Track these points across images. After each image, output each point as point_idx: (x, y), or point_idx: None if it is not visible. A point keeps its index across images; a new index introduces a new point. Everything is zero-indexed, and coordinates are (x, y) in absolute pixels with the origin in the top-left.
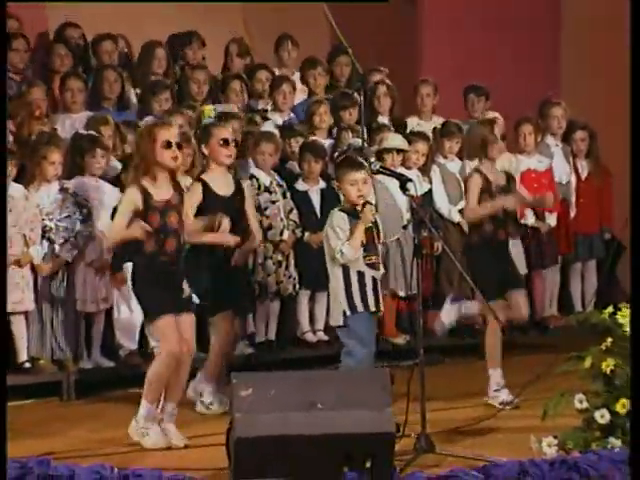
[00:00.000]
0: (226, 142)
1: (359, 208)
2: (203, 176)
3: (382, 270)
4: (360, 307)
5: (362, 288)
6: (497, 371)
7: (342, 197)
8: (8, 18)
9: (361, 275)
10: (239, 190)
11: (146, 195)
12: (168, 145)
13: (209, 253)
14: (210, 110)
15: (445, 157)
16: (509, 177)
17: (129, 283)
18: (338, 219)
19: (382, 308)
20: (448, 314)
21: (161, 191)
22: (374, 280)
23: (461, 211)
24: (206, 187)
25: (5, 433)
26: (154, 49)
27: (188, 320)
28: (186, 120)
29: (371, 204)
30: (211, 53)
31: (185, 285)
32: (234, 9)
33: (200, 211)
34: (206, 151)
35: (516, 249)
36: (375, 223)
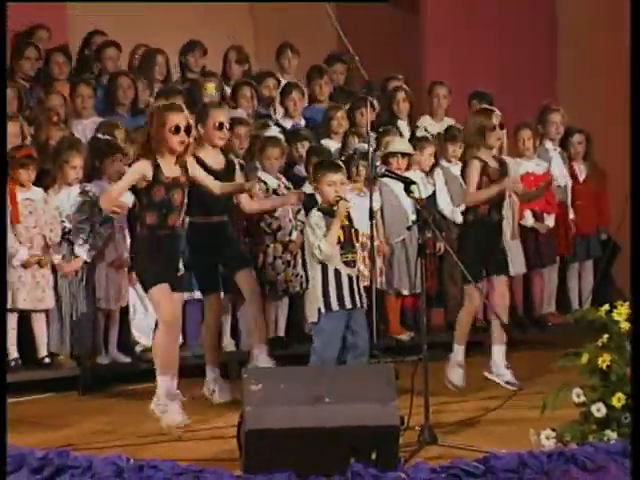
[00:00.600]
0: (221, 126)
1: (335, 207)
2: (197, 152)
3: (362, 267)
4: (335, 305)
5: (338, 286)
6: (461, 348)
7: (319, 198)
8: (38, 28)
9: (337, 273)
10: (230, 163)
11: (156, 169)
12: (176, 130)
13: (199, 232)
14: (212, 87)
15: (449, 161)
16: (502, 163)
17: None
18: (316, 218)
19: (359, 304)
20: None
21: (170, 169)
22: (350, 278)
23: (463, 212)
24: (201, 163)
25: (5, 428)
26: (155, 56)
27: (178, 299)
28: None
29: (346, 200)
30: (211, 59)
31: (180, 265)
32: (235, 14)
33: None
34: (202, 130)
35: (516, 249)
36: (350, 221)
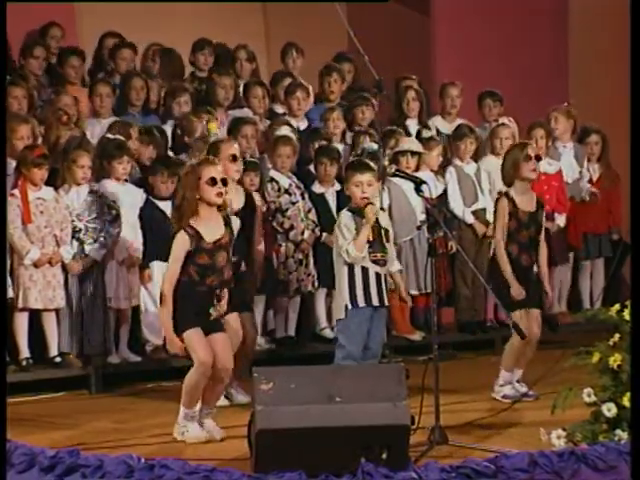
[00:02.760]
0: (234, 158)
1: (364, 209)
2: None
3: (397, 267)
4: (361, 301)
5: (365, 283)
6: (506, 375)
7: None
8: (51, 26)
9: (365, 271)
10: (249, 199)
11: (196, 237)
12: (213, 182)
13: None
14: (214, 127)
15: (462, 159)
16: (539, 204)
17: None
18: (345, 219)
19: (387, 303)
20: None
21: (211, 231)
22: (378, 276)
23: (475, 212)
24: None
25: (5, 427)
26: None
27: (220, 338)
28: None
29: (373, 205)
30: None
31: (212, 311)
32: (247, 13)
33: None
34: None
35: None
36: (378, 222)
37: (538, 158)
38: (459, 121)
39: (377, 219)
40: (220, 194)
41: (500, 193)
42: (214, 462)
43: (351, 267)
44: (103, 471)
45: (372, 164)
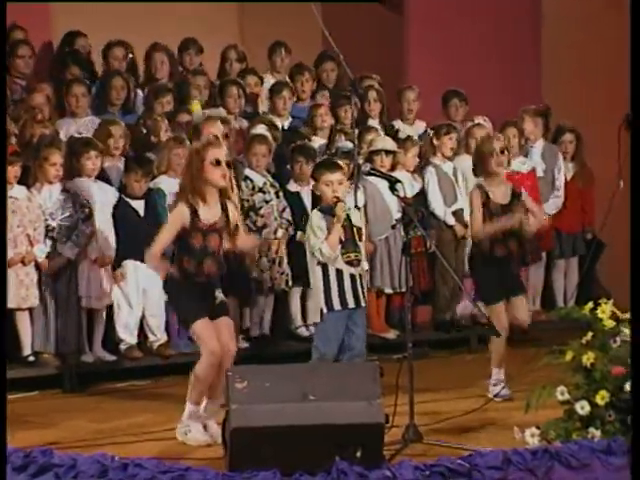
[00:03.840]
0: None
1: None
2: None
3: (364, 267)
4: (337, 305)
5: (340, 286)
6: (495, 370)
7: (321, 197)
8: (14, 28)
9: (339, 273)
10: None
11: (193, 215)
12: (217, 163)
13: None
14: (197, 106)
15: (443, 155)
16: (515, 193)
17: (161, 290)
18: (316, 219)
19: (363, 304)
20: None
21: (208, 213)
22: (352, 277)
23: (455, 213)
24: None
25: (5, 425)
26: (153, 54)
27: (224, 323)
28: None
29: (344, 202)
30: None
31: (218, 292)
32: (223, 12)
33: None
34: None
35: None
36: (349, 220)
37: (503, 151)
38: (419, 124)
39: (349, 218)
40: (224, 176)
41: (475, 186)
42: (188, 461)
43: (325, 270)
44: (76, 470)
45: (341, 163)
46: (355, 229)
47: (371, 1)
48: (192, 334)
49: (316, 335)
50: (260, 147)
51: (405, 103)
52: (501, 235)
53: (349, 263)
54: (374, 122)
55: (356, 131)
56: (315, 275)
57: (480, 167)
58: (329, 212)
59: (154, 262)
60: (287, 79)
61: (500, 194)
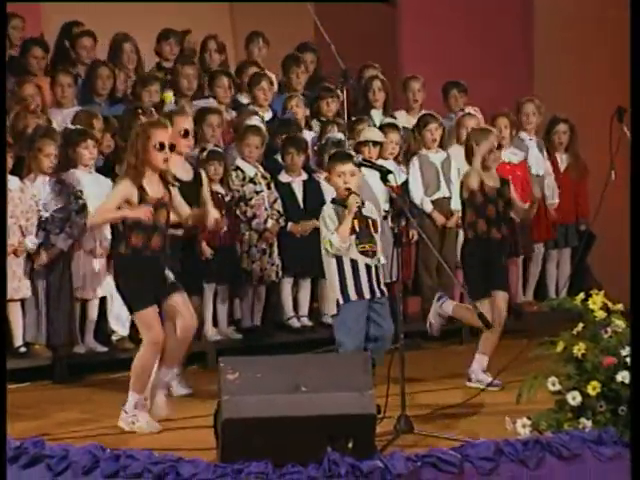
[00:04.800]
0: (186, 133)
1: (347, 199)
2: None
3: (381, 259)
4: (353, 295)
5: (356, 276)
6: (483, 357)
7: (334, 189)
8: (13, 17)
9: (354, 263)
10: (198, 175)
11: (141, 190)
12: (161, 147)
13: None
14: (170, 97)
15: (428, 147)
16: (504, 182)
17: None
18: (328, 211)
19: (379, 294)
20: (434, 315)
21: (154, 188)
22: (368, 268)
23: (435, 202)
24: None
25: (5, 415)
26: (122, 43)
27: (179, 299)
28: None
29: (356, 194)
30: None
31: (168, 272)
32: (213, 4)
33: None
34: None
35: None
36: (360, 211)
37: (500, 147)
38: (423, 113)
39: (361, 210)
40: (166, 160)
41: (469, 170)
42: (180, 452)
43: (340, 261)
44: (68, 461)
45: (354, 154)
46: (370, 220)
47: (374, 1)
48: (135, 320)
49: (336, 328)
50: (254, 138)
51: (410, 93)
52: (496, 218)
53: (364, 253)
54: (377, 112)
55: (347, 122)
56: (330, 267)
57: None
58: (340, 204)
59: (98, 224)
60: (264, 69)
61: (492, 179)
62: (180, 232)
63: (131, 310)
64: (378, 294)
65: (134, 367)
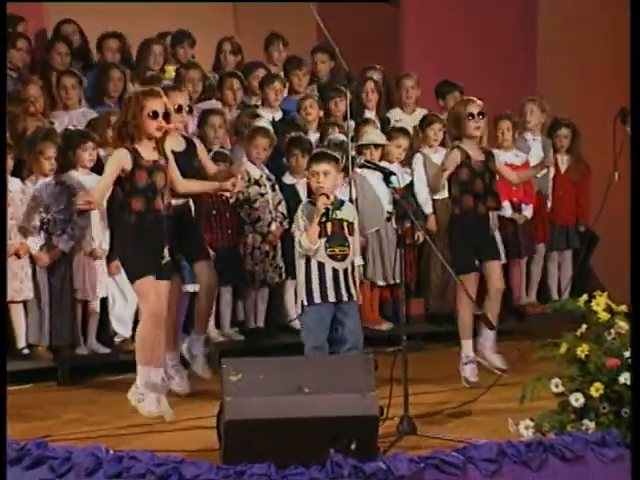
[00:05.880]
0: (180, 108)
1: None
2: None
3: (358, 261)
4: (317, 298)
5: (322, 279)
6: (468, 342)
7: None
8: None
9: (321, 266)
10: (191, 144)
11: (135, 155)
12: (154, 115)
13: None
14: (171, 71)
15: (430, 146)
16: (489, 154)
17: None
18: (301, 210)
19: (345, 298)
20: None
21: (148, 153)
22: (335, 271)
23: (436, 201)
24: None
25: (5, 417)
26: (151, 45)
27: (164, 287)
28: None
29: (325, 195)
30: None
31: (166, 251)
32: (218, 6)
33: None
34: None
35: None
36: (333, 214)
37: (481, 115)
38: (419, 111)
39: (335, 212)
40: (160, 127)
41: (453, 146)
42: (182, 453)
43: (308, 262)
44: (71, 463)
45: (331, 153)
46: (345, 223)
47: (377, 1)
48: (135, 289)
49: (302, 328)
50: (262, 140)
51: (403, 91)
52: (482, 192)
53: (332, 257)
54: (371, 113)
55: (351, 123)
56: (299, 267)
57: (456, 130)
58: (314, 204)
59: (96, 207)
60: (270, 70)
61: (477, 153)
62: (181, 201)
63: (131, 280)
64: (345, 298)
65: (137, 341)
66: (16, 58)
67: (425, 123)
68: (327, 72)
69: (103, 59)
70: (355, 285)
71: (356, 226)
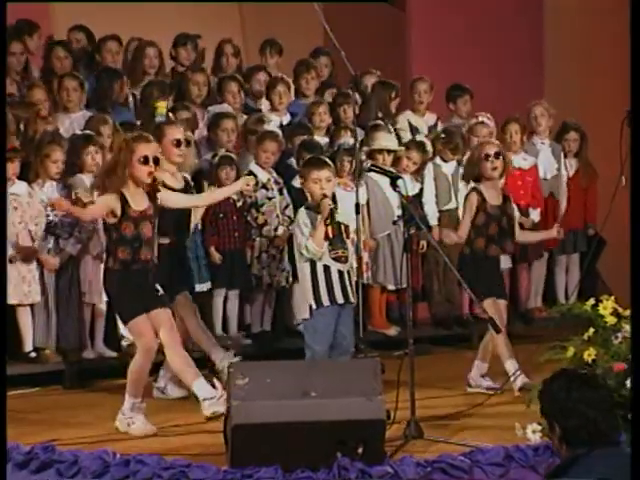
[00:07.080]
0: (178, 143)
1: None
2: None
3: (352, 264)
4: (326, 300)
5: (328, 282)
6: (512, 361)
7: (308, 195)
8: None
9: (327, 269)
10: (187, 182)
11: (124, 204)
12: (145, 161)
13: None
14: (163, 107)
15: (445, 161)
16: (505, 197)
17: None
18: (303, 216)
19: (353, 300)
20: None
21: (138, 201)
22: (340, 273)
23: (444, 212)
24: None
25: (5, 426)
26: (145, 48)
27: (164, 314)
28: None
29: (327, 197)
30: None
31: (157, 287)
32: (223, 9)
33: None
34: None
35: None
36: (333, 218)
37: (498, 155)
38: (430, 115)
39: (334, 216)
40: (150, 173)
41: (470, 189)
42: (189, 457)
43: (313, 266)
44: (78, 467)
45: (328, 160)
46: (342, 226)
47: (379, 1)
48: (128, 330)
49: (306, 333)
50: (271, 144)
51: (416, 95)
52: (498, 235)
53: (337, 259)
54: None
55: (357, 128)
56: (303, 272)
57: (474, 172)
58: (315, 210)
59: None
60: (281, 74)
61: (494, 196)
62: (167, 241)
63: (123, 321)
64: (352, 299)
65: (129, 372)
66: (13, 62)
67: (441, 140)
68: (327, 75)
69: (103, 62)
70: (352, 288)
71: (351, 229)
